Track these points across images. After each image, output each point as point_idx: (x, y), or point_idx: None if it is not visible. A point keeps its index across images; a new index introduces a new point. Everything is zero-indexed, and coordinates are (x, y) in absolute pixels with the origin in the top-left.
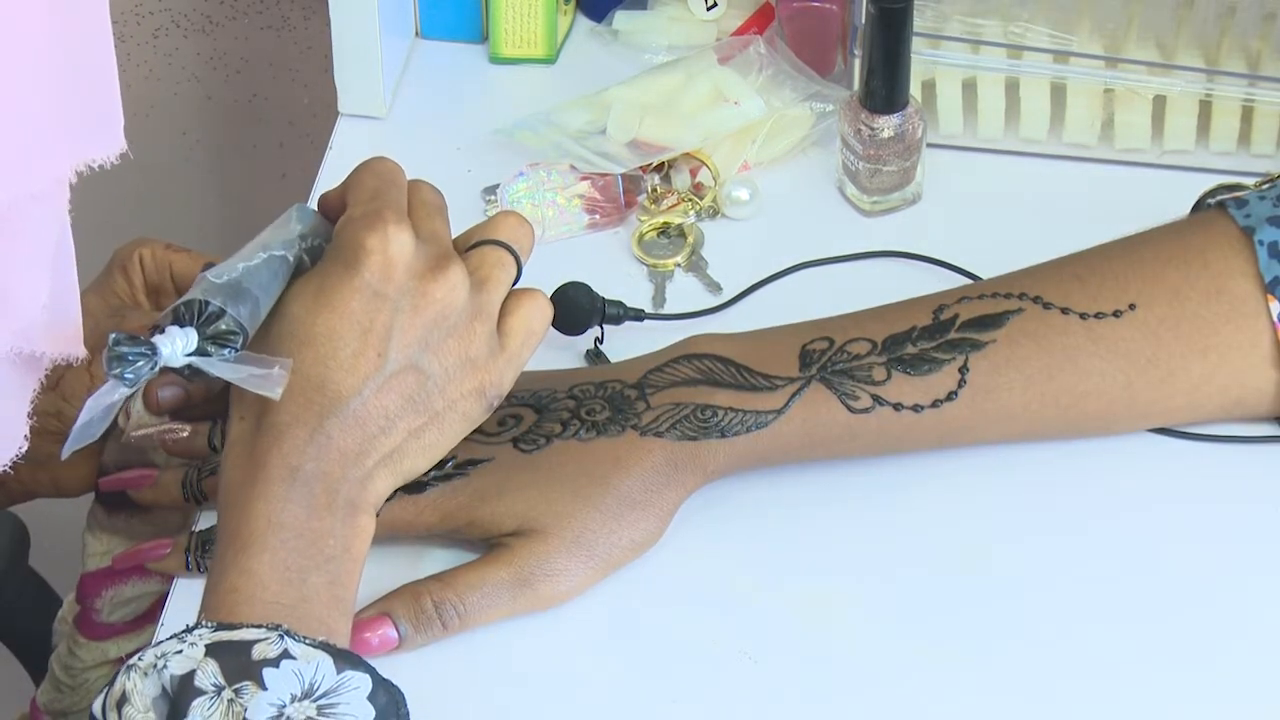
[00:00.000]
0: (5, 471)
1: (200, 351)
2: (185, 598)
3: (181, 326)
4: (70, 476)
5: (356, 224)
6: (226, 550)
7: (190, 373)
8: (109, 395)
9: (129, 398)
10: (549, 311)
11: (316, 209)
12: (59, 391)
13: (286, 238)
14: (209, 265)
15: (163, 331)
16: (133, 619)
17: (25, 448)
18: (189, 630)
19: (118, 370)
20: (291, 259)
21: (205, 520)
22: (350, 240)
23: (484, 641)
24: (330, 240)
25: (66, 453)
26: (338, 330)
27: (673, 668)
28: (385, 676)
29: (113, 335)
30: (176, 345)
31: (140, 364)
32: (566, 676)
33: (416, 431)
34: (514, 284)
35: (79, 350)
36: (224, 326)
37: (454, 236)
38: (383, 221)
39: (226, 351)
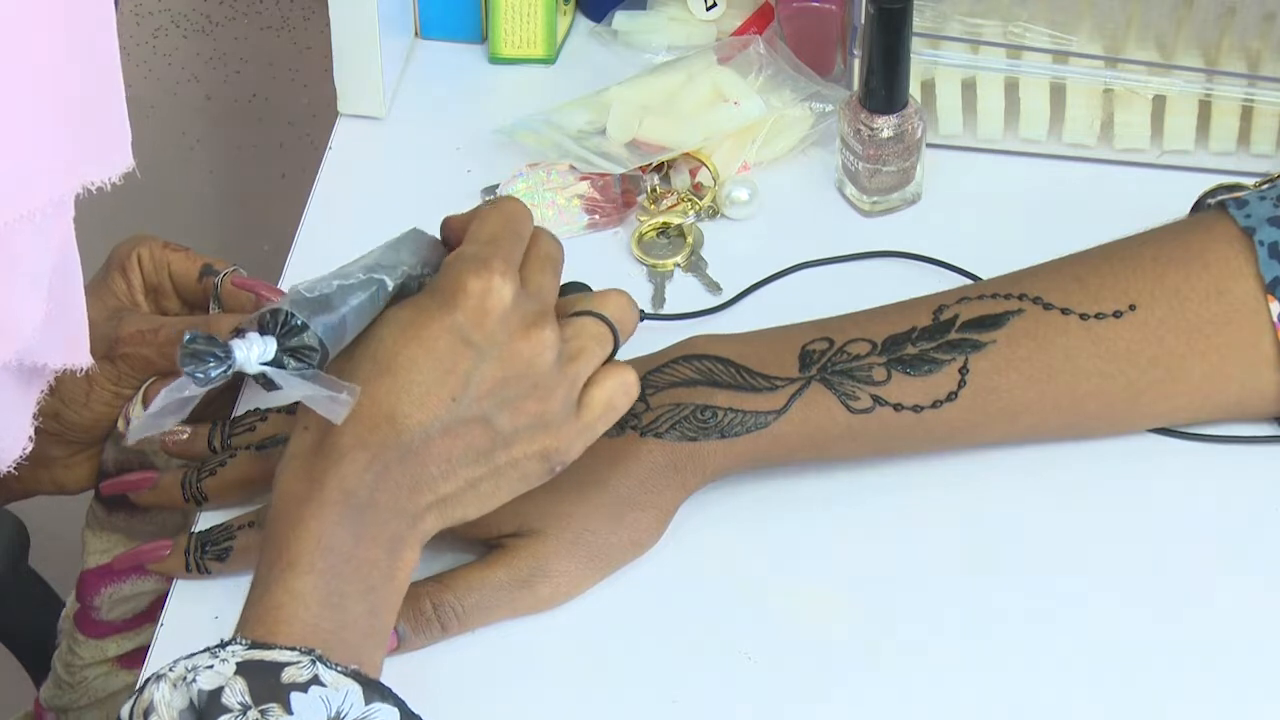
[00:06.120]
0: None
1: (276, 362)
2: (184, 598)
3: (262, 334)
4: (70, 475)
5: (464, 263)
6: (274, 564)
7: (263, 381)
8: (180, 390)
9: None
10: (635, 391)
11: (438, 235)
12: (57, 395)
13: (393, 262)
14: (207, 265)
15: (243, 336)
16: (131, 617)
17: (29, 448)
18: (223, 645)
19: (190, 368)
20: (391, 286)
21: (205, 521)
22: (454, 279)
23: (483, 642)
24: (438, 271)
25: (131, 440)
26: (419, 364)
27: (673, 668)
28: (415, 712)
29: (188, 334)
30: (253, 352)
31: (212, 365)
32: (567, 677)
33: (474, 481)
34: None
35: (84, 360)
36: (305, 341)
37: (565, 295)
38: (489, 270)
39: (302, 366)
